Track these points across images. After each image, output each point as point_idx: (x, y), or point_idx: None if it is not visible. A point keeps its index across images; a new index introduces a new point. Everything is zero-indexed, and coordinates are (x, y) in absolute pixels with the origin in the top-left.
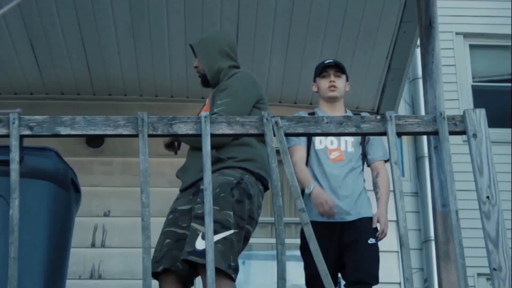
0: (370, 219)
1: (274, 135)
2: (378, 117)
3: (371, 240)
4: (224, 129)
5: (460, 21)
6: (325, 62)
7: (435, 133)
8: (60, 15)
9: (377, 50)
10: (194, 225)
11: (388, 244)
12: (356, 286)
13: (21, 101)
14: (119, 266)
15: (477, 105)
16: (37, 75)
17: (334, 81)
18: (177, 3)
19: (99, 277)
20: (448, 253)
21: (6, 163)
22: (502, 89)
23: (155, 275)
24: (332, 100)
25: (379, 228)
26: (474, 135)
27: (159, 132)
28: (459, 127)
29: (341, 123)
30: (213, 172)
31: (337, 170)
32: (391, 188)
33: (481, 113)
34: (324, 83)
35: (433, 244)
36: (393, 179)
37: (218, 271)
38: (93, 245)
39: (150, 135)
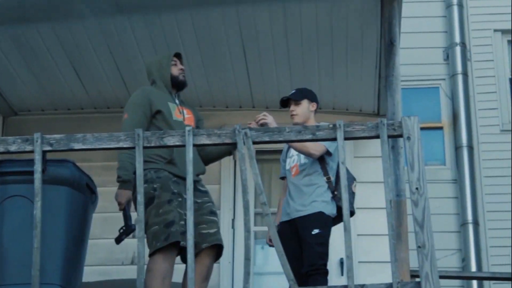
0: (318, 214)
1: (244, 144)
2: (331, 125)
3: (315, 231)
4: (204, 140)
5: (499, 18)
6: (282, 98)
7: (377, 137)
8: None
9: (366, 62)
10: (214, 218)
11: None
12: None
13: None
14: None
15: None
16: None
17: (293, 110)
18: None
19: None
20: (400, 235)
21: (32, 173)
22: None
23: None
24: (299, 124)
25: None
26: (408, 138)
27: (152, 144)
28: (397, 131)
29: (300, 131)
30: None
31: (296, 181)
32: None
33: (415, 119)
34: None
35: (470, 227)
36: (340, 177)
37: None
38: None
39: (145, 147)
